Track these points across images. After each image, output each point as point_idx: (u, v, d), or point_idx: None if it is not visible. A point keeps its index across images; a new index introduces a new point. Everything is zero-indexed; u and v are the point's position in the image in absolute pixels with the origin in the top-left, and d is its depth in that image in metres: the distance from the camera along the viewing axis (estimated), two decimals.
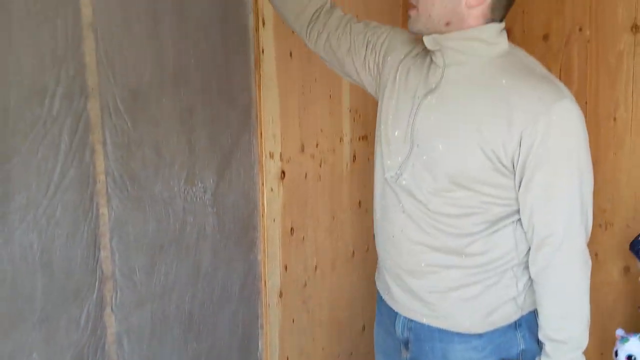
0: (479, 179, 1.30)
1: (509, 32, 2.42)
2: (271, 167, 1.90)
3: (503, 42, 1.33)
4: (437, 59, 1.35)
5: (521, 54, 1.36)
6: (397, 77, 1.45)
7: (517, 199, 1.31)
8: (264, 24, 1.83)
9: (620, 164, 2.22)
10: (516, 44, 2.40)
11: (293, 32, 1.98)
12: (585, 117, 2.28)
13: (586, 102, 2.26)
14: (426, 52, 1.42)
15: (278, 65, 1.91)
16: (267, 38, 1.85)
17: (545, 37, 2.35)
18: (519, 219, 1.34)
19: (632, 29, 2.13)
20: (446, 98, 1.33)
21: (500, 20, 1.33)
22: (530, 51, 2.36)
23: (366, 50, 1.53)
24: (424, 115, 1.35)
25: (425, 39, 1.34)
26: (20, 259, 1.14)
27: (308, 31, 1.62)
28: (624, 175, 2.24)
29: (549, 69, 2.33)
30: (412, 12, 1.33)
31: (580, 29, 2.25)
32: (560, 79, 2.30)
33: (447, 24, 1.30)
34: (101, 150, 1.31)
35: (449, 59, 1.32)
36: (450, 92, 1.33)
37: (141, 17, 1.39)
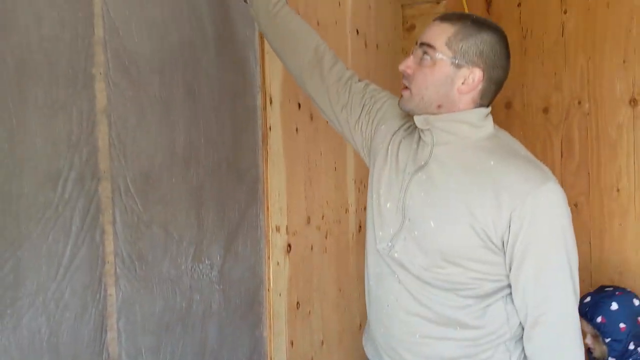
0: (470, 256, 1.33)
1: (510, 105, 2.50)
2: (277, 241, 1.91)
3: (489, 125, 1.38)
4: (425, 137, 1.39)
5: (505, 136, 1.42)
6: (389, 150, 1.49)
7: (507, 276, 1.34)
8: (271, 102, 1.88)
9: (626, 234, 2.23)
10: (517, 116, 2.48)
11: (299, 108, 2.05)
12: (589, 188, 2.33)
13: (589, 173, 2.29)
14: (415, 127, 1.46)
15: (285, 140, 1.96)
16: (274, 115, 1.90)
17: (545, 110, 2.40)
18: (510, 293, 1.36)
19: (630, 103, 2.18)
20: (436, 176, 1.37)
21: (487, 105, 1.39)
22: (531, 124, 2.43)
23: (361, 111, 1.57)
24: (415, 190, 1.39)
25: (417, 119, 1.38)
26: (29, 344, 1.13)
27: (306, 80, 1.62)
28: (631, 245, 2.24)
29: (551, 141, 2.40)
30: (405, 93, 1.37)
31: (579, 103, 2.30)
32: (561, 150, 2.35)
33: (439, 106, 1.35)
34: (111, 230, 1.33)
35: (437, 138, 1.37)
36: (439, 170, 1.37)
37: (154, 101, 1.44)
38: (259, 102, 1.85)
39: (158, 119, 1.46)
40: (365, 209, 2.47)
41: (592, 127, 2.27)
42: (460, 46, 1.30)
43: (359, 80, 1.60)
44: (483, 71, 1.32)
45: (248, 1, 1.59)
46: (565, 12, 2.33)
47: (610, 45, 2.22)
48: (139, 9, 1.40)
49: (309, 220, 2.09)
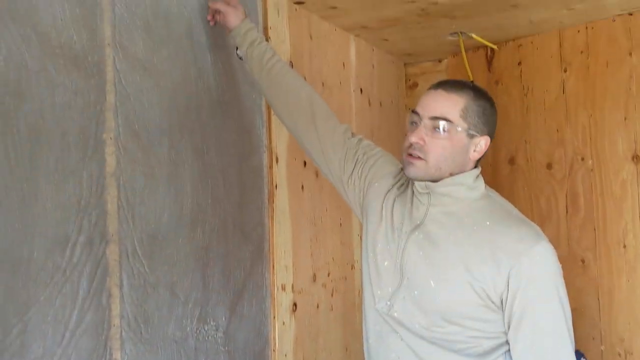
0: (469, 315, 1.35)
1: (513, 160, 2.52)
2: (283, 300, 1.90)
3: (481, 185, 1.43)
4: (422, 198, 1.42)
5: (497, 196, 1.46)
6: (384, 207, 1.50)
7: (505, 332, 1.36)
8: (277, 161, 1.91)
9: (635, 291, 2.20)
10: (520, 171, 2.49)
11: (304, 165, 2.07)
12: (596, 244, 2.32)
13: (595, 229, 2.28)
14: (407, 184, 1.49)
15: (290, 198, 1.97)
16: (280, 174, 1.93)
17: (549, 166, 2.42)
18: (508, 350, 1.37)
19: (633, 159, 2.19)
20: (433, 235, 1.40)
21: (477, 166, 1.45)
22: (535, 179, 2.44)
23: (354, 167, 1.59)
24: (413, 249, 1.41)
25: (418, 185, 1.41)
26: None
27: (301, 133, 1.63)
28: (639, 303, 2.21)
29: (555, 197, 2.41)
30: (418, 162, 1.37)
31: (583, 159, 2.32)
32: (566, 206, 2.35)
33: (451, 173, 1.39)
34: (118, 293, 1.33)
35: (434, 200, 1.41)
36: (436, 229, 1.40)
37: (162, 163, 1.47)
38: (265, 161, 1.88)
39: (166, 180, 1.48)
40: None
41: (597, 183, 2.28)
42: (474, 117, 1.37)
43: (353, 136, 1.63)
44: (489, 137, 1.41)
45: (242, 57, 1.64)
46: (565, 71, 2.38)
47: (611, 102, 2.25)
48: (149, 76, 1.44)
49: (314, 277, 2.09)
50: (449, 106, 1.35)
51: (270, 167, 1.88)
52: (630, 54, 2.21)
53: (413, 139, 1.36)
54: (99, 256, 1.28)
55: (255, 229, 1.81)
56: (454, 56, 2.78)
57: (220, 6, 1.59)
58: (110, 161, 1.33)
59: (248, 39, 1.60)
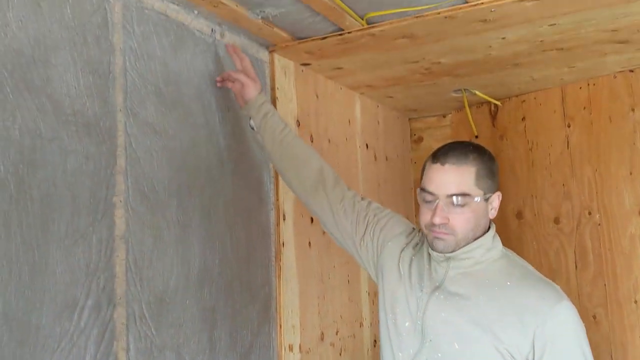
0: None
1: (521, 214, 2.52)
2: None
3: (499, 245, 1.44)
4: (439, 258, 1.42)
5: (514, 255, 1.47)
6: (400, 267, 1.51)
7: None
8: (284, 218, 1.92)
9: None
10: (528, 225, 2.49)
11: (312, 222, 2.08)
12: (606, 299, 2.29)
13: (605, 285, 2.26)
14: (422, 242, 1.50)
15: (297, 256, 1.97)
16: (287, 231, 1.93)
17: (557, 220, 2.41)
18: None
19: None
20: (454, 297, 1.39)
21: None
22: (543, 233, 2.43)
23: (366, 229, 1.60)
24: (434, 311, 1.40)
25: (435, 255, 1.42)
26: None
27: (310, 200, 1.66)
28: None
29: (564, 251, 2.39)
30: (448, 238, 1.37)
31: (590, 213, 2.32)
32: (575, 261, 2.34)
33: (475, 238, 1.41)
34: (124, 357, 1.32)
35: (453, 263, 1.41)
36: (457, 291, 1.40)
37: (171, 225, 1.48)
38: (273, 218, 1.89)
39: (174, 241, 1.49)
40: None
41: (605, 238, 2.27)
42: (485, 181, 1.38)
43: (362, 199, 1.66)
44: (499, 191, 1.43)
45: (255, 128, 1.67)
46: (568, 126, 2.40)
47: (616, 157, 2.26)
48: (159, 139, 1.47)
49: (322, 336, 2.06)
50: (463, 180, 1.35)
51: (278, 224, 1.89)
52: (633, 109, 2.24)
53: (437, 220, 1.35)
54: (106, 320, 1.28)
55: (262, 288, 1.80)
56: (458, 111, 2.82)
57: (241, 77, 1.64)
58: (120, 224, 1.34)
59: (262, 111, 1.65)
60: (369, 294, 2.39)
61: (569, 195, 2.38)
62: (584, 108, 2.36)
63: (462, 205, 1.35)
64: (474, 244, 1.39)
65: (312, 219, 2.08)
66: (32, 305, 1.13)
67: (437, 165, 1.38)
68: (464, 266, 1.41)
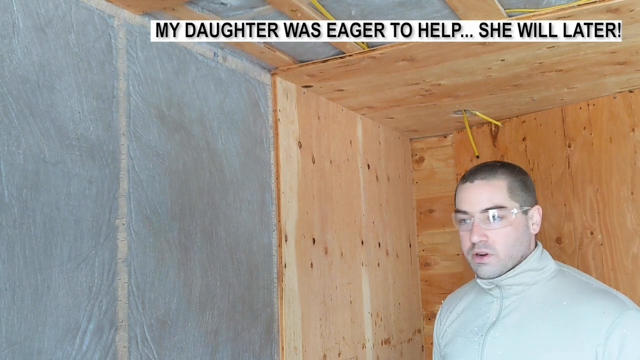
0: None
1: None
2: None
3: (550, 263, 1.36)
4: (493, 292, 1.37)
5: (570, 269, 1.38)
6: (454, 323, 1.46)
7: None
8: (286, 239, 1.92)
9: None
10: None
11: (313, 243, 2.08)
12: None
13: None
14: (473, 286, 1.45)
15: (299, 277, 1.97)
16: (289, 252, 1.94)
17: (559, 240, 2.41)
18: None
19: None
20: (510, 329, 1.32)
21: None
22: None
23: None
24: (492, 350, 1.33)
25: (482, 282, 1.36)
26: None
27: None
28: None
29: None
30: (491, 259, 1.32)
31: (592, 233, 2.32)
32: None
33: (522, 257, 1.34)
34: None
35: (506, 292, 1.35)
36: (513, 322, 1.33)
37: (173, 247, 1.48)
38: (275, 240, 1.89)
39: (176, 264, 1.49)
40: (382, 343, 2.43)
41: (607, 258, 2.26)
42: (519, 193, 1.34)
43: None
44: (538, 204, 1.38)
45: None
46: (569, 146, 2.41)
47: (617, 177, 2.26)
48: (162, 162, 1.48)
49: (325, 358, 2.05)
50: (496, 193, 1.32)
51: (280, 245, 1.90)
52: (633, 129, 2.24)
53: (475, 238, 1.31)
54: (108, 343, 1.28)
55: (264, 310, 1.80)
56: (459, 132, 2.83)
57: None
58: (122, 247, 1.35)
59: None
60: (371, 314, 2.39)
61: (571, 216, 2.38)
62: (584, 128, 2.37)
63: (500, 219, 1.30)
64: (517, 268, 1.32)
65: (314, 240, 2.08)
66: (34, 329, 1.13)
67: (467, 184, 1.36)
68: (515, 293, 1.34)
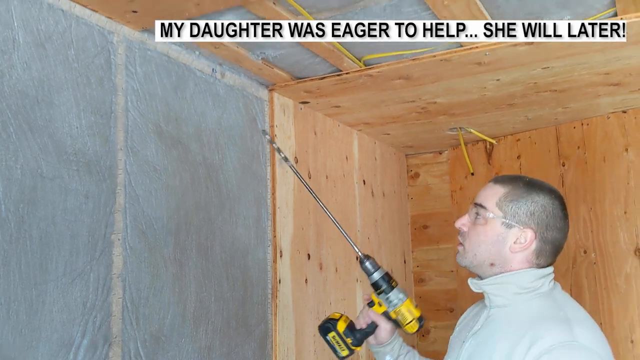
0: None
1: None
2: None
3: (543, 286, 1.34)
4: (485, 300, 1.40)
5: (560, 295, 1.37)
6: (459, 325, 1.51)
7: None
8: (281, 255, 1.93)
9: None
10: None
11: (308, 259, 2.08)
12: None
13: (601, 324, 2.25)
14: (481, 300, 1.47)
15: (294, 293, 1.97)
16: (284, 268, 1.94)
17: None
18: None
19: (635, 253, 2.20)
20: (481, 339, 1.34)
21: (547, 266, 1.36)
22: None
23: None
24: (465, 356, 1.36)
25: (470, 282, 1.41)
26: None
27: None
28: None
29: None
30: (460, 248, 1.41)
31: (585, 252, 2.33)
32: None
33: (492, 264, 1.35)
34: None
35: (492, 302, 1.37)
36: (486, 333, 1.35)
37: (168, 263, 1.49)
38: (270, 255, 1.90)
39: (171, 279, 1.49)
40: None
41: (600, 277, 2.27)
42: (510, 207, 1.34)
43: None
44: (535, 232, 1.33)
45: None
46: (563, 165, 2.43)
47: (610, 196, 2.28)
48: (159, 177, 1.49)
49: None
50: (490, 195, 1.38)
51: (275, 261, 1.90)
52: (627, 149, 2.27)
53: (457, 224, 1.42)
54: (101, 359, 1.28)
55: (258, 326, 1.80)
56: (454, 148, 2.85)
57: (380, 320, 1.51)
58: (118, 262, 1.35)
59: (396, 349, 1.56)
60: None
61: None
62: (578, 148, 2.39)
63: (478, 217, 1.36)
64: (497, 277, 1.34)
65: (309, 255, 2.08)
66: (28, 344, 1.13)
67: (487, 183, 1.44)
68: (498, 305, 1.36)
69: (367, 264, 1.51)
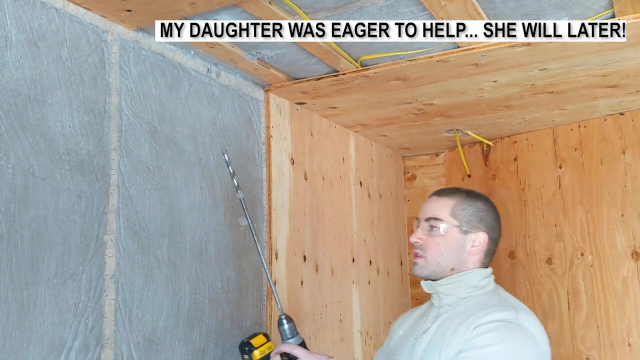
0: None
1: (514, 254, 2.52)
2: None
3: (489, 284, 1.52)
4: (434, 300, 1.54)
5: (502, 291, 1.52)
6: (404, 327, 1.61)
7: None
8: (277, 256, 1.91)
9: None
10: (522, 266, 2.48)
11: (304, 260, 2.07)
12: (599, 341, 2.27)
13: (598, 327, 2.25)
14: (429, 301, 1.59)
15: (289, 295, 1.96)
16: (280, 270, 1.92)
17: (549, 261, 2.41)
18: None
19: (632, 255, 2.19)
20: (433, 334, 1.45)
21: (487, 266, 1.55)
22: (536, 274, 2.42)
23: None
24: (417, 352, 1.46)
25: (423, 284, 1.54)
26: None
27: None
28: None
29: (557, 292, 2.38)
30: (420, 260, 1.52)
31: (582, 254, 2.32)
32: (568, 302, 2.33)
33: (452, 269, 1.52)
34: None
35: (442, 301, 1.51)
36: (436, 328, 1.46)
37: (162, 264, 1.47)
38: (265, 256, 1.88)
39: (165, 281, 1.48)
40: None
41: (597, 280, 2.26)
42: (463, 215, 1.51)
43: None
44: (487, 233, 1.52)
45: None
46: (560, 167, 2.42)
47: (607, 199, 2.27)
48: (152, 177, 1.47)
49: None
50: (440, 207, 1.52)
51: (270, 262, 1.88)
52: (624, 152, 2.26)
53: (412, 239, 1.54)
54: None
55: (253, 328, 1.78)
56: (451, 150, 2.84)
57: (299, 353, 1.41)
58: (110, 263, 1.33)
59: None
60: (361, 333, 2.37)
61: (562, 236, 2.38)
62: (575, 150, 2.38)
63: (435, 229, 1.49)
64: (451, 277, 1.48)
65: (304, 257, 2.07)
66: (19, 346, 1.11)
67: (429, 198, 1.59)
68: (449, 303, 1.48)
69: (286, 327, 1.40)
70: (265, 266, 1.53)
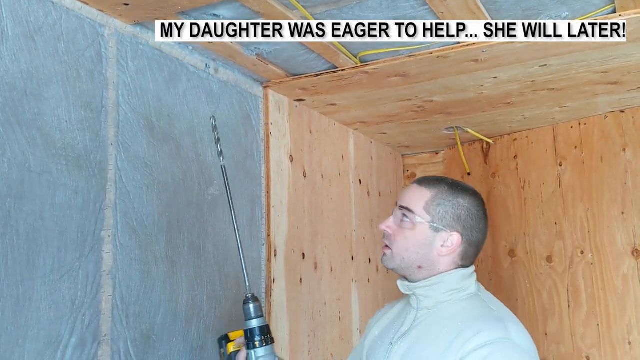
0: None
1: (514, 252, 2.50)
2: None
3: (470, 286, 1.37)
4: (412, 301, 1.40)
5: (486, 296, 1.39)
6: (379, 327, 1.48)
7: None
8: (275, 254, 1.90)
9: None
10: (522, 265, 2.47)
11: (303, 258, 2.06)
12: (599, 339, 2.26)
13: (598, 325, 2.24)
14: (407, 300, 1.45)
15: (288, 292, 1.95)
16: (279, 267, 1.91)
17: (549, 259, 2.40)
18: None
19: (633, 254, 2.19)
20: (412, 341, 1.34)
21: (469, 266, 1.38)
22: (536, 272, 2.41)
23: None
24: (394, 358, 1.34)
25: (399, 284, 1.40)
26: None
27: None
28: None
29: (557, 291, 2.37)
30: (387, 251, 1.37)
31: (582, 252, 2.31)
32: (568, 300, 2.32)
33: (419, 267, 1.35)
34: None
35: (420, 303, 1.37)
36: (416, 334, 1.34)
37: (159, 260, 1.46)
38: (264, 254, 1.87)
39: (162, 277, 1.47)
40: None
41: (598, 278, 2.25)
42: (438, 211, 1.33)
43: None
44: (461, 235, 1.34)
45: None
46: (560, 165, 2.41)
47: (608, 196, 2.26)
48: (150, 173, 1.46)
49: None
50: (416, 198, 1.35)
51: (269, 260, 1.87)
52: (624, 149, 2.25)
53: (382, 226, 1.39)
54: (90, 358, 1.25)
55: None
56: (450, 148, 2.83)
57: None
58: (107, 259, 1.32)
59: None
60: (360, 331, 2.36)
61: (562, 234, 2.37)
62: (576, 147, 2.37)
63: (405, 220, 1.33)
64: (432, 279, 1.34)
65: (303, 255, 2.06)
66: (14, 342, 1.10)
67: (410, 185, 1.42)
68: (427, 307, 1.36)
69: (251, 306, 1.31)
70: (239, 240, 1.38)
